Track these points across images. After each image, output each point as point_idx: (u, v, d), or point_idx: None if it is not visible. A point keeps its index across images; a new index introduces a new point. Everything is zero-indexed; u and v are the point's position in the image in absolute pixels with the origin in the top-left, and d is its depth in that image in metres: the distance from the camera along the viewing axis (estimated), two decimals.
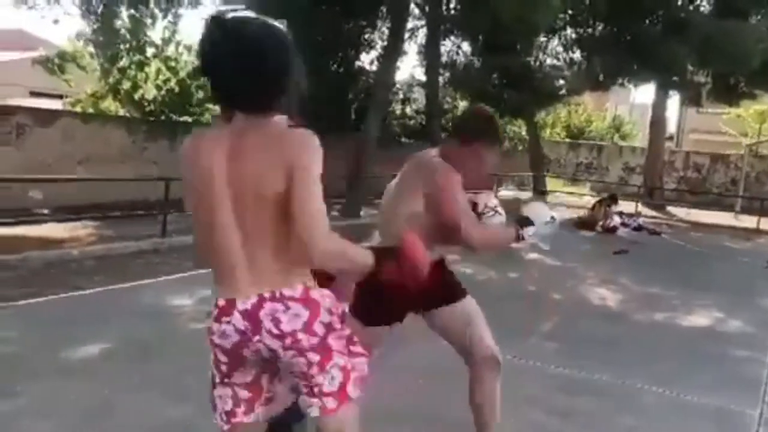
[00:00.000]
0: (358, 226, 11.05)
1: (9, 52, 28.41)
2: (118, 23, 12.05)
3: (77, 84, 13.87)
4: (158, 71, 13.69)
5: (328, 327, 1.90)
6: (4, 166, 9.66)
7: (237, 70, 1.75)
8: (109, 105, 13.69)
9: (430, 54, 16.44)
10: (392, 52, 14.20)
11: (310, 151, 1.79)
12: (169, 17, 13.21)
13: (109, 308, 5.60)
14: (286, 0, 13.96)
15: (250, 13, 1.78)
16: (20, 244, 7.59)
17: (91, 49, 13.01)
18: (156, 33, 13.53)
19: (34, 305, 5.53)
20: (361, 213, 13.11)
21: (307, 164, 1.76)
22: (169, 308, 5.76)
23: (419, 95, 20.75)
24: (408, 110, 21.41)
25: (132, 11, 12.22)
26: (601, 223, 13.54)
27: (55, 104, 15.40)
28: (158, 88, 13.52)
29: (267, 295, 1.84)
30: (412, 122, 21.17)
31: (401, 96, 20.90)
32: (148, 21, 12.49)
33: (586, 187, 24.09)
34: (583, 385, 4.42)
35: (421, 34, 17.79)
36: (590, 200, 16.46)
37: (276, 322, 1.84)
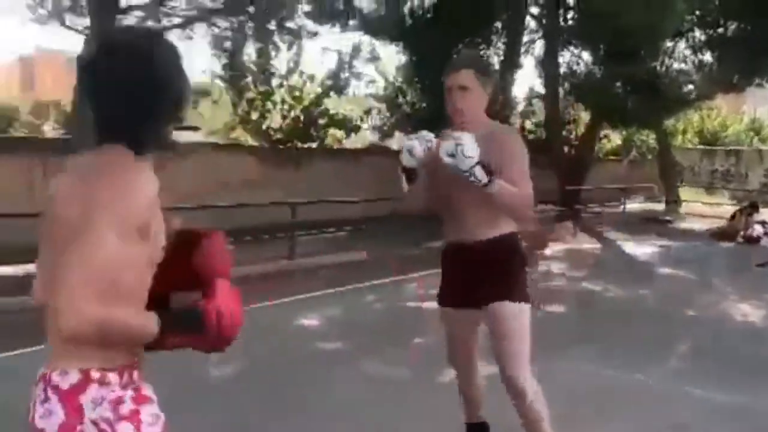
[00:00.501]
0: None
1: None
2: (245, 57, 12.78)
3: (212, 117, 14.80)
4: (283, 101, 14.37)
5: None
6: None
7: (97, 92, 1.45)
8: (240, 135, 14.50)
9: (548, 66, 16.15)
10: (509, 67, 14.10)
11: (114, 189, 1.35)
12: (294, 48, 13.84)
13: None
14: (401, 23, 14.29)
15: (131, 30, 1.54)
16: None
17: (221, 83, 13.88)
18: (280, 63, 14.27)
19: None
20: None
21: (98, 204, 1.32)
22: (294, 328, 6.00)
23: (539, 108, 20.40)
24: (528, 124, 21.11)
25: (259, 45, 12.91)
26: (741, 233, 12.66)
27: (195, 136, 16.50)
28: (283, 117, 14.19)
29: (47, 371, 1.39)
30: (532, 136, 20.85)
31: (520, 110, 20.63)
32: (273, 53, 13.15)
33: (724, 195, 22.58)
34: (736, 411, 4.11)
35: (539, 47, 17.52)
36: (729, 210, 15.43)
37: (34, 411, 1.39)
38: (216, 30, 10.92)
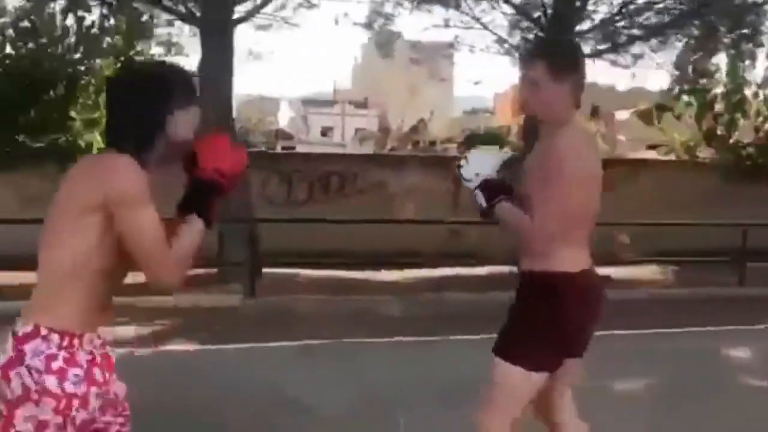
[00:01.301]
0: None
1: (627, 110, 31.06)
2: (711, 68, 11.94)
3: (673, 133, 14.17)
4: (758, 112, 12.92)
5: (24, 391, 1.64)
6: (605, 210, 10.54)
7: (109, 109, 1.82)
8: (703, 151, 13.54)
9: None
10: None
11: (121, 180, 1.67)
12: None
13: (661, 348, 5.63)
14: None
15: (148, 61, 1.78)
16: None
17: (685, 97, 13.24)
18: (754, 73, 12.91)
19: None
20: None
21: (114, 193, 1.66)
22: (726, 357, 5.58)
23: None
24: None
25: (726, 52, 11.92)
26: None
27: (651, 153, 16.00)
28: (756, 129, 12.72)
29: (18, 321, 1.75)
30: None
31: None
32: (743, 64, 11.99)
33: None
34: None
35: None
36: None
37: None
38: (674, 44, 10.51)
